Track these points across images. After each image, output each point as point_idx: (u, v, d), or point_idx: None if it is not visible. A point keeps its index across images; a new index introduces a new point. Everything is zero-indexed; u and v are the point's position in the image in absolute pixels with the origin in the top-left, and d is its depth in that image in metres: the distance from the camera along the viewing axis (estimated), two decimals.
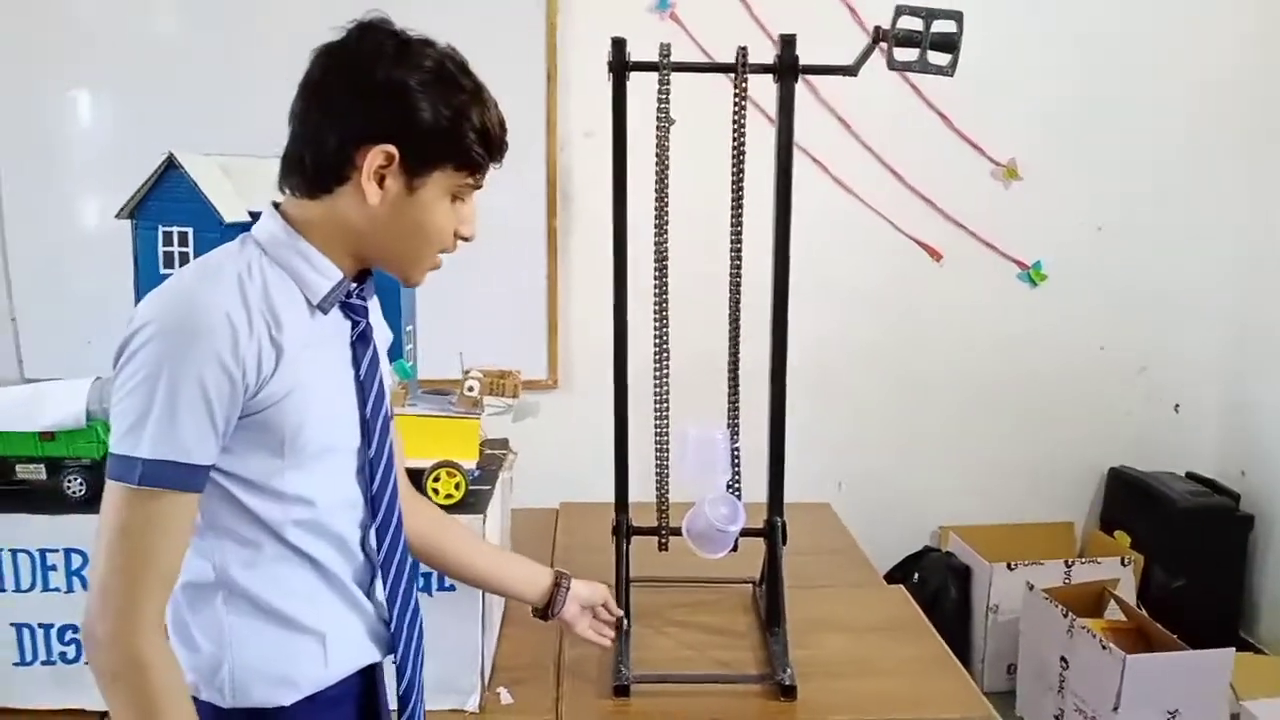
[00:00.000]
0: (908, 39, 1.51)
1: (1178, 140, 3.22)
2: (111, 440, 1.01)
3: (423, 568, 1.46)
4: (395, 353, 2.02)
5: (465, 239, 1.17)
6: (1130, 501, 3.26)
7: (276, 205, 1.13)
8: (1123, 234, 3.26)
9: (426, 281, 1.21)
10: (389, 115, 1.05)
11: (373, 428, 1.16)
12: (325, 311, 1.11)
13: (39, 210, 2.97)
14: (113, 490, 1.00)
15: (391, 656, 1.21)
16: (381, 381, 1.18)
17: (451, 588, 1.55)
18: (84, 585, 1.51)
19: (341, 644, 1.16)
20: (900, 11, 1.51)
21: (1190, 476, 3.26)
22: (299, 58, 1.11)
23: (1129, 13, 3.14)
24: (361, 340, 1.16)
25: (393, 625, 1.21)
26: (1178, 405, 3.38)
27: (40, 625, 1.53)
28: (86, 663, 1.04)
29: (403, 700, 1.23)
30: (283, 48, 1.09)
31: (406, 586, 1.22)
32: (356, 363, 1.15)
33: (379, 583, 1.21)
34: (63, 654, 1.53)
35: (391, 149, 1.06)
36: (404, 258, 1.15)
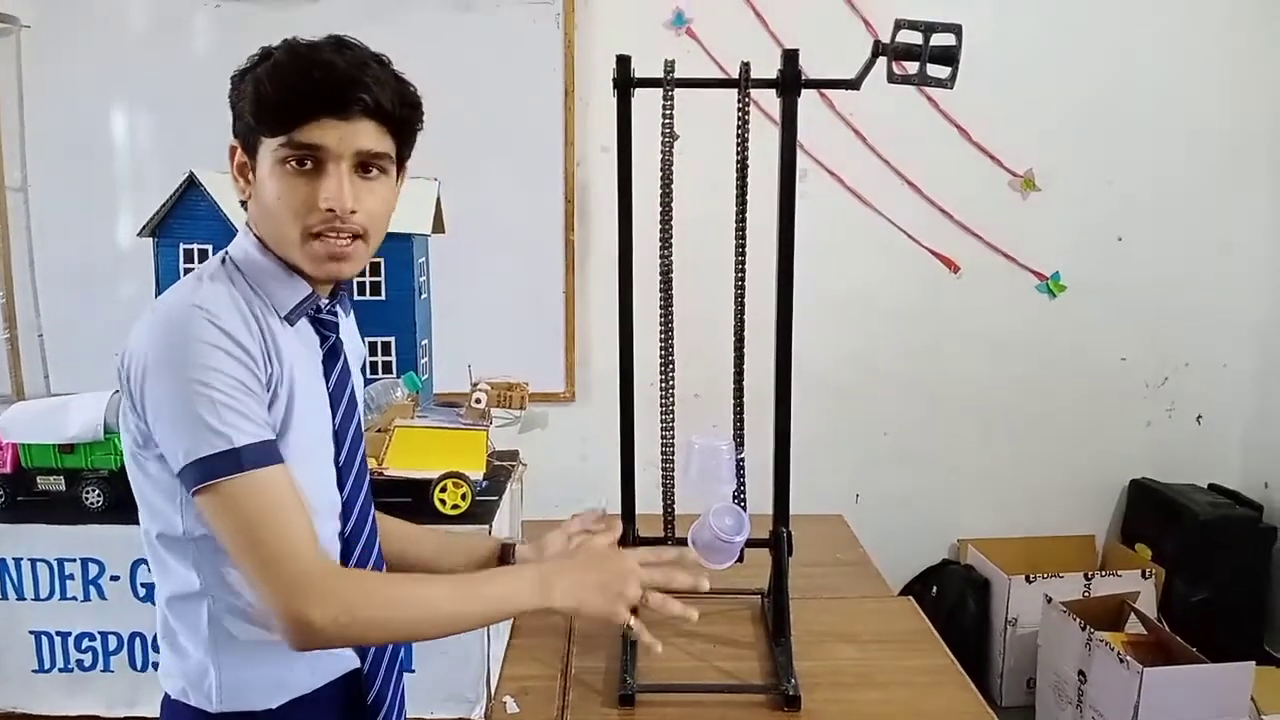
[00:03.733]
0: (907, 52, 1.52)
1: (1200, 148, 3.20)
2: (185, 454, 1.01)
3: None
4: (408, 366, 2.06)
5: (330, 210, 1.09)
6: (1152, 514, 3.23)
7: (249, 224, 1.17)
8: (1144, 244, 3.24)
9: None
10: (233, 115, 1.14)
11: (344, 438, 1.19)
12: (292, 324, 1.14)
13: (68, 224, 3.03)
14: (221, 491, 1.01)
15: (359, 666, 1.21)
16: (353, 394, 1.22)
17: None
18: (100, 594, 1.55)
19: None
20: (899, 25, 1.52)
21: (1213, 488, 3.22)
22: None
23: (1147, 21, 3.12)
24: (331, 354, 1.19)
25: None
26: (1200, 416, 3.34)
27: (58, 633, 1.56)
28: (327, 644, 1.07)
29: (372, 708, 1.21)
30: None
31: None
32: (326, 376, 1.18)
33: None
34: (79, 661, 1.56)
35: (233, 142, 1.14)
36: (279, 243, 1.12)
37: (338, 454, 1.19)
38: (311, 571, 1.03)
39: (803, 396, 2.97)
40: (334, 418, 1.19)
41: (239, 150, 1.13)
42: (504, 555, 1.37)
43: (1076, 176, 3.19)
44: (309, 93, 1.06)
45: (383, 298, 2.03)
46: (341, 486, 1.19)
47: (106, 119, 3.01)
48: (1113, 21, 3.11)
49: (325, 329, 1.19)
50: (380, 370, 2.05)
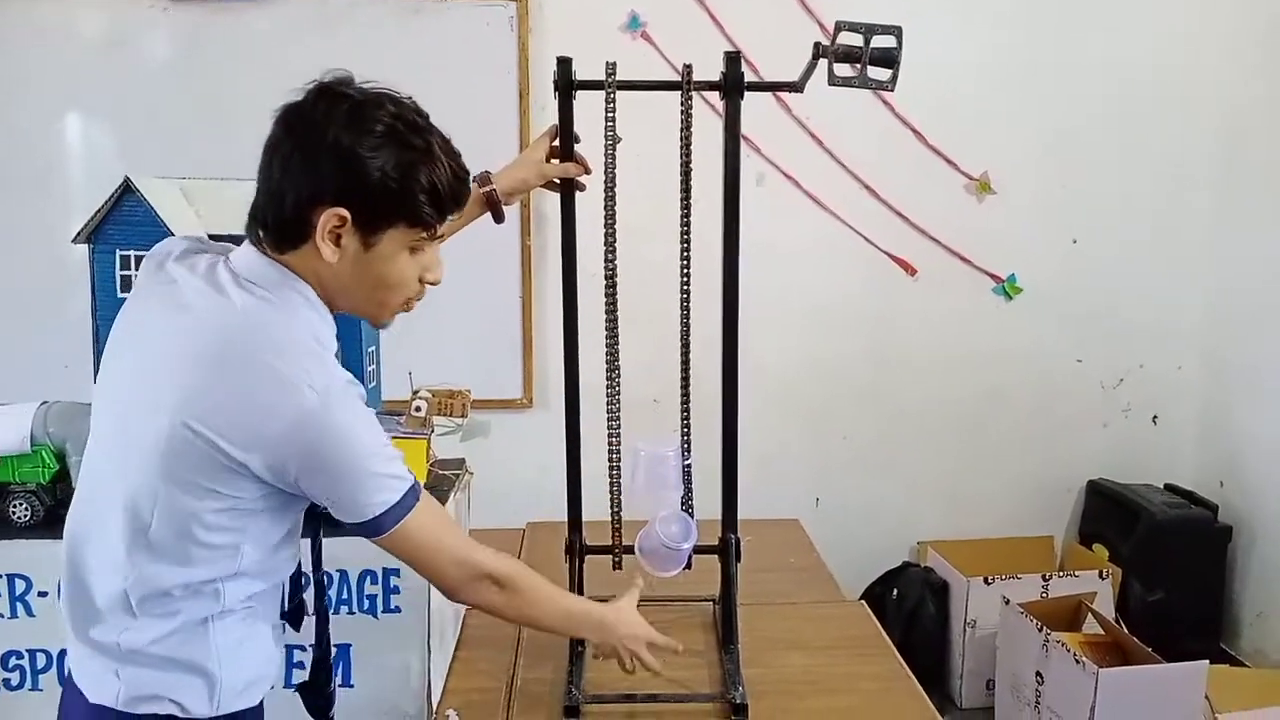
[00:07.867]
0: (847, 54, 1.51)
1: (1153, 152, 3.22)
2: (380, 504, 1.14)
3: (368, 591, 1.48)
4: (354, 374, 2.02)
5: (432, 284, 1.23)
6: (1108, 514, 3.25)
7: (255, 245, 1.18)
8: (1098, 247, 3.26)
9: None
10: (339, 178, 1.11)
11: None
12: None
13: (12, 233, 2.96)
14: (413, 519, 1.16)
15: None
16: None
17: (397, 609, 1.55)
18: (28, 611, 1.52)
19: (280, 637, 1.28)
20: (840, 27, 1.51)
21: (1168, 488, 3.25)
22: (277, 86, 1.16)
23: (1104, 28, 3.14)
24: None
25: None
26: (1155, 417, 3.37)
27: None
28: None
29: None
30: (263, 75, 1.14)
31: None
32: None
33: None
34: (6, 680, 1.52)
35: (343, 211, 1.11)
36: (368, 305, 1.22)
37: None
38: (477, 551, 1.26)
39: (763, 402, 3.00)
40: None
41: (348, 221, 1.12)
42: (490, 199, 1.68)
43: (1031, 180, 3.20)
44: (462, 199, 1.20)
45: None
46: None
47: (56, 127, 2.95)
48: (1067, 27, 3.13)
49: None
50: None
